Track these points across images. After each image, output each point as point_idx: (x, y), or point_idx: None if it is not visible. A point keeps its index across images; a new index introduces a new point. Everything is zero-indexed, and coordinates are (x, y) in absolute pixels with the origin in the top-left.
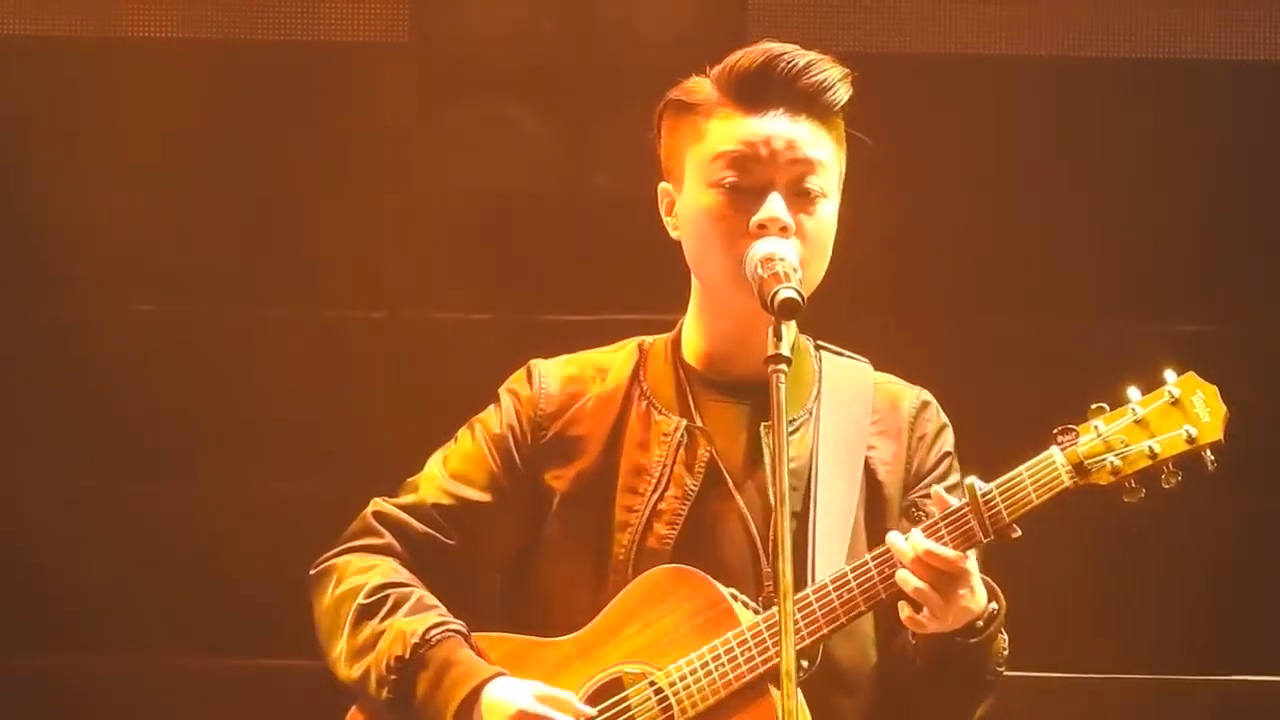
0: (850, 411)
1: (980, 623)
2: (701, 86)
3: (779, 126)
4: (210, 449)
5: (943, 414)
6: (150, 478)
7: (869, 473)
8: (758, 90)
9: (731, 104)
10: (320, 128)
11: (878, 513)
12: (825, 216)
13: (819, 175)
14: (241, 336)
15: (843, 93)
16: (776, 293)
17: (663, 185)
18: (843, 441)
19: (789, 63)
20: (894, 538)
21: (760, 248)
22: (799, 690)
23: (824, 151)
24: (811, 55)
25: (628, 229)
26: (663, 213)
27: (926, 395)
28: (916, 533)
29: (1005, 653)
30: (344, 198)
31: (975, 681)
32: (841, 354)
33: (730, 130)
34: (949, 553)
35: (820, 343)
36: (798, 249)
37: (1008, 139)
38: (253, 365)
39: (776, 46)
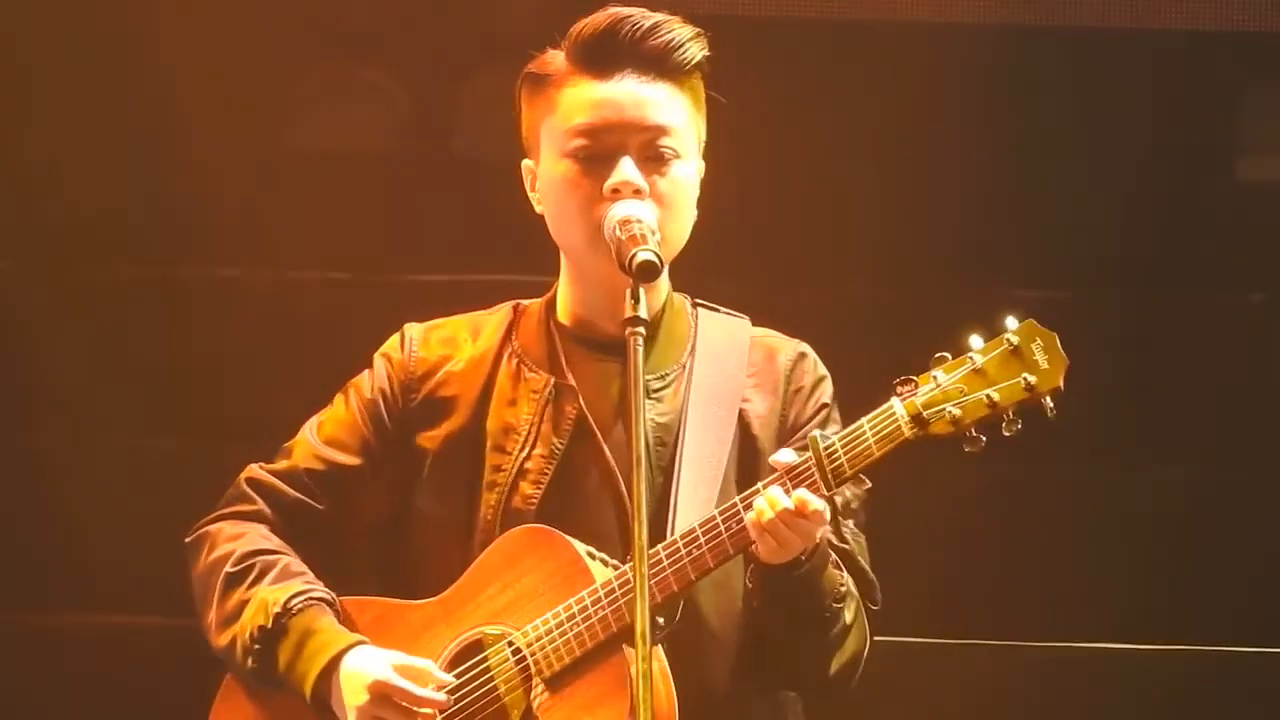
0: (724, 366)
1: (803, 555)
2: (554, 59)
3: (628, 90)
4: (76, 406)
5: (821, 366)
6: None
7: (743, 426)
8: (605, 55)
9: (581, 72)
10: (177, 85)
11: (750, 466)
12: (681, 178)
13: (671, 138)
14: (100, 295)
15: (694, 52)
16: (634, 255)
17: (525, 163)
18: (715, 396)
19: (634, 25)
20: (775, 491)
21: (618, 210)
22: (660, 648)
23: (676, 113)
24: (659, 16)
25: (486, 191)
26: (527, 189)
27: (804, 347)
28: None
29: (844, 589)
30: (199, 156)
31: (814, 619)
32: (719, 311)
33: (580, 98)
34: (820, 504)
35: (698, 300)
36: (655, 211)
37: (863, 106)
38: (109, 323)
39: (623, 10)
